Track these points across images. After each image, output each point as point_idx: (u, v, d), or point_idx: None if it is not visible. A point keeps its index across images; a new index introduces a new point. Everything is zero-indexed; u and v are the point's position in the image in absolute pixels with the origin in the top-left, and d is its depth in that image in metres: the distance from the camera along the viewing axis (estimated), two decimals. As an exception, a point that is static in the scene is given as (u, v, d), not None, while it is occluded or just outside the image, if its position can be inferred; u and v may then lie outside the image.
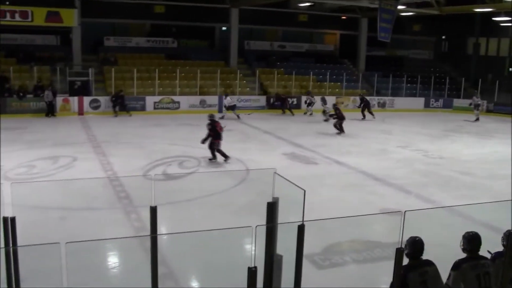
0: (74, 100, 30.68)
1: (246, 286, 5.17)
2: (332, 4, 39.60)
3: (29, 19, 29.86)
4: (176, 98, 33.34)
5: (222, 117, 27.71)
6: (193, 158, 19.40)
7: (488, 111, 38.23)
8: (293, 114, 33.80)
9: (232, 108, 30.90)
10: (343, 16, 43.61)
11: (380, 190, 16.10)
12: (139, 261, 8.68)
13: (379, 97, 39.43)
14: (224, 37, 40.76)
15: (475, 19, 43.44)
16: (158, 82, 33.80)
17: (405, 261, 6.00)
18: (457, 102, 39.87)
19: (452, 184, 17.20)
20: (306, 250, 6.02)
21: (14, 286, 6.00)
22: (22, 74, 31.86)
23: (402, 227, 5.39)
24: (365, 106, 33.34)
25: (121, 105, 30.86)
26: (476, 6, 34.58)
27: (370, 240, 11.21)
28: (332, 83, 39.09)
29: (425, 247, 6.24)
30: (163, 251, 9.57)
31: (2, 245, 6.09)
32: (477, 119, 33.88)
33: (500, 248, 6.69)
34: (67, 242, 4.46)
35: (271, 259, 5.97)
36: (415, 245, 6.19)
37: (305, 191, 5.51)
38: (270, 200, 6.14)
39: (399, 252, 5.50)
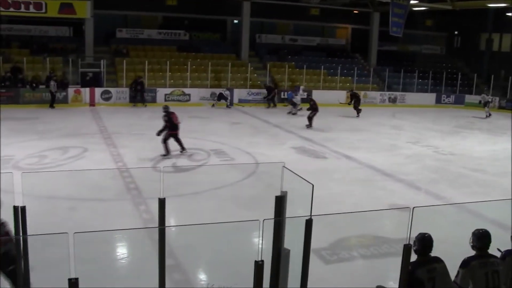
0: (86, 91, 30.79)
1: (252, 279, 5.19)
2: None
3: (43, 11, 30.10)
4: (187, 90, 33.40)
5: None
6: (203, 150, 19.44)
7: (500, 107, 38.08)
8: (275, 106, 33.95)
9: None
10: (355, 10, 43.51)
11: (389, 185, 16.06)
12: (147, 252, 8.71)
13: (390, 92, 39.36)
14: (235, 30, 40.77)
15: (488, 14, 43.15)
16: (169, 74, 33.86)
17: (414, 257, 5.99)
18: (468, 98, 39.73)
19: (462, 181, 17.12)
20: (313, 244, 6.01)
21: (23, 274, 6.03)
22: (35, 65, 31.99)
23: (410, 223, 5.37)
24: (356, 103, 32.49)
25: (141, 92, 31.05)
26: (489, 1, 34.43)
27: (378, 235, 11.18)
28: (343, 77, 39.02)
29: (434, 243, 6.21)
30: (171, 243, 9.58)
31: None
32: (489, 115, 33.71)
33: (510, 246, 6.67)
34: (75, 232, 4.48)
35: (279, 253, 5.98)
36: (424, 242, 6.17)
37: (313, 185, 5.51)
38: (279, 193, 6.14)
39: (406, 249, 5.49)
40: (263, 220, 4.92)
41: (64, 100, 30.09)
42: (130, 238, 10.42)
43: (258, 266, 5.05)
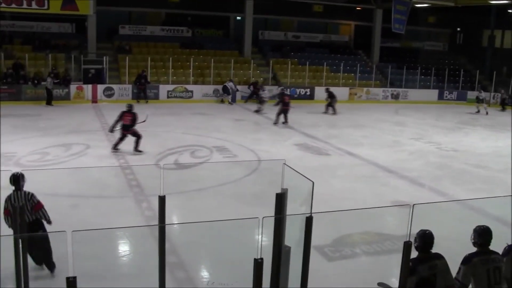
0: (88, 88, 30.78)
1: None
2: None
3: (45, 7, 30.10)
4: (189, 87, 33.38)
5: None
6: (205, 147, 19.43)
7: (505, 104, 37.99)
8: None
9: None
10: (358, 7, 43.42)
11: (392, 182, 16.05)
12: (148, 250, 8.70)
13: (393, 89, 39.30)
14: (238, 27, 40.72)
15: (490, 11, 43.10)
16: (172, 71, 33.84)
17: (415, 253, 5.98)
18: (471, 94, 39.56)
19: (466, 177, 17.10)
20: (316, 241, 6.01)
21: (22, 273, 6.02)
22: (37, 62, 31.97)
23: (410, 220, 5.35)
24: (332, 100, 31.86)
25: (145, 88, 31.22)
26: (492, -2, 34.34)
27: (381, 232, 11.17)
28: (346, 74, 38.97)
29: (436, 240, 6.20)
30: (174, 240, 9.60)
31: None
32: (486, 113, 33.72)
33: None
34: (73, 231, 4.46)
35: (279, 250, 5.96)
36: (425, 238, 6.16)
37: (313, 182, 5.49)
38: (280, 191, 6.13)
39: (407, 246, 5.47)
40: (263, 218, 4.90)
41: (67, 97, 30.10)
42: (131, 236, 10.41)
43: (258, 264, 5.03)
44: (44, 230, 8.63)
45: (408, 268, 5.67)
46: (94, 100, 30.59)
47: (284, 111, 25.23)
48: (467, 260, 6.24)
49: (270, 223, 5.79)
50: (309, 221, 5.68)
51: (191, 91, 33.25)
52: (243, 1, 37.60)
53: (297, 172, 5.92)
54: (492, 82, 39.42)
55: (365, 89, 37.99)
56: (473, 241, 6.42)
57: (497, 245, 6.52)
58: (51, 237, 8.30)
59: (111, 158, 17.41)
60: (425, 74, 41.44)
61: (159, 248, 6.32)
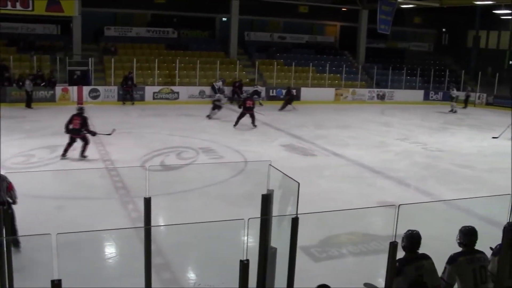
0: (74, 90, 30.64)
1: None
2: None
3: (30, 8, 29.93)
4: (175, 88, 33.31)
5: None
6: (191, 149, 19.40)
7: (488, 104, 38.26)
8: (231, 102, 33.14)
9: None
10: (344, 8, 43.49)
11: (378, 182, 16.10)
12: (134, 251, 8.66)
13: (379, 89, 39.43)
14: (224, 28, 40.70)
15: (475, 12, 43.45)
16: (157, 72, 33.75)
17: (401, 254, 5.99)
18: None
19: (451, 177, 17.17)
20: (303, 242, 6.01)
21: (7, 276, 5.98)
22: (22, 63, 31.80)
23: (396, 220, 5.36)
24: (290, 99, 32.56)
25: (132, 89, 31.19)
26: (476, -1, 34.53)
27: (367, 233, 11.19)
28: (332, 74, 39.03)
29: (423, 240, 6.23)
30: (160, 241, 9.57)
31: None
32: (455, 111, 34.15)
33: (498, 242, 6.67)
34: (58, 233, 4.43)
35: (265, 251, 5.95)
36: (412, 239, 6.18)
37: (299, 183, 5.49)
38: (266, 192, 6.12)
39: (393, 246, 5.48)
40: (248, 219, 4.89)
41: (52, 99, 29.95)
42: (117, 238, 10.37)
43: (244, 266, 5.03)
44: (12, 210, 9.10)
45: (394, 269, 5.68)
46: (80, 102, 30.38)
47: (244, 114, 24.47)
48: (453, 260, 6.27)
49: (257, 224, 5.78)
50: (295, 222, 5.68)
51: (177, 93, 33.19)
52: (229, 2, 37.59)
53: (283, 173, 5.91)
54: (477, 83, 39.63)
55: (351, 89, 38.09)
56: (458, 241, 6.46)
57: (482, 245, 6.55)
58: (36, 240, 8.25)
59: (97, 160, 17.34)
60: (411, 75, 41.60)
61: (145, 250, 6.30)
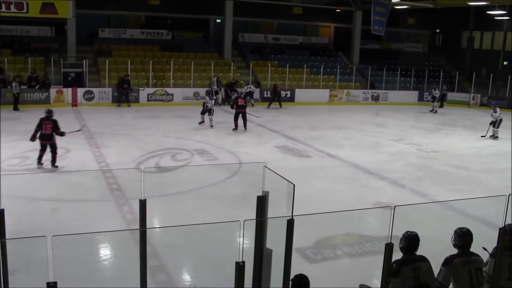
0: (68, 92, 30.56)
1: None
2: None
3: (24, 10, 29.86)
4: (169, 90, 33.26)
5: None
6: (186, 150, 19.40)
7: (482, 104, 38.29)
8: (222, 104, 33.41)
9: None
10: (338, 9, 43.51)
11: (373, 183, 16.11)
12: (129, 253, 8.67)
13: (373, 90, 39.43)
14: (218, 29, 40.65)
15: (469, 12, 43.50)
16: (152, 74, 33.71)
17: (397, 255, 6.00)
18: (451, 95, 39.86)
19: (446, 178, 17.20)
20: (298, 244, 6.01)
21: (2, 278, 5.96)
22: (17, 65, 31.72)
23: (391, 222, 5.37)
24: (277, 97, 33.71)
25: (127, 91, 31.14)
26: (470, 0, 34.53)
27: (363, 234, 11.20)
28: (326, 76, 38.96)
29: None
30: (155, 243, 9.56)
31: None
32: (435, 111, 34.57)
33: (494, 243, 6.68)
34: (54, 236, 4.43)
35: (261, 253, 5.96)
36: (411, 240, 6.17)
37: (294, 185, 5.49)
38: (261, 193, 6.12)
39: (388, 247, 5.48)
40: (244, 221, 4.90)
41: (46, 101, 29.85)
42: (112, 240, 10.36)
43: (239, 267, 5.02)
44: None
45: (389, 270, 5.69)
46: (74, 103, 30.41)
47: (238, 114, 24.14)
48: (448, 262, 6.27)
49: (252, 226, 5.79)
50: (290, 223, 5.68)
51: (171, 94, 33.13)
52: (223, 3, 37.57)
53: (278, 174, 5.92)
54: (472, 83, 39.71)
55: (345, 91, 38.10)
56: (453, 242, 6.46)
57: (478, 246, 6.56)
58: (31, 242, 8.23)
59: (92, 161, 17.32)
60: (405, 76, 41.62)
61: (140, 252, 6.29)
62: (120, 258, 9.81)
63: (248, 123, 24.17)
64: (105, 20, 39.32)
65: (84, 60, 32.05)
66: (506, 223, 6.34)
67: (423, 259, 6.22)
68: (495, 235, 6.29)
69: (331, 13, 43.93)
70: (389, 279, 5.81)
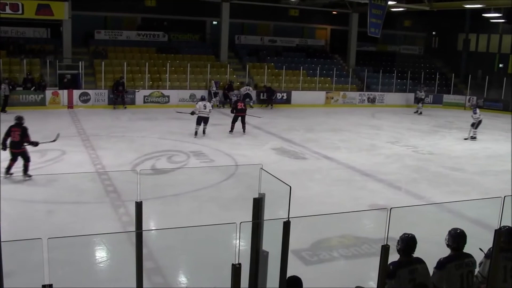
0: (64, 93, 30.51)
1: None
2: (323, -1, 39.81)
3: (20, 12, 29.75)
4: (166, 92, 33.23)
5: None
6: (182, 152, 19.38)
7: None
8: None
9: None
10: (334, 11, 43.56)
11: (369, 185, 16.11)
12: (125, 255, 8.65)
13: (369, 93, 39.44)
14: (215, 31, 40.64)
15: (465, 15, 43.63)
16: (148, 76, 33.68)
17: (393, 257, 5.99)
18: (447, 98, 39.97)
19: (442, 180, 17.20)
20: (294, 245, 6.00)
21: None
22: (12, 67, 31.70)
23: (387, 224, 5.36)
24: (272, 96, 34.34)
25: (123, 94, 31.04)
26: (466, 2, 34.59)
27: (359, 236, 11.19)
28: (323, 78, 39.02)
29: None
30: (151, 245, 9.55)
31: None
32: (420, 113, 34.82)
33: (489, 245, 6.68)
34: (49, 238, 4.41)
35: (257, 255, 5.95)
36: (408, 242, 6.18)
37: (290, 187, 5.48)
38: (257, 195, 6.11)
39: (385, 249, 5.48)
40: (240, 223, 4.89)
41: (42, 102, 29.84)
42: (108, 242, 10.34)
43: (236, 269, 5.01)
44: None
45: (386, 272, 5.68)
46: (70, 105, 30.36)
47: (237, 117, 23.89)
48: (442, 266, 6.26)
49: (249, 228, 5.78)
50: (286, 225, 5.67)
51: (168, 96, 33.10)
52: (219, 5, 37.57)
53: (274, 176, 5.91)
54: (468, 86, 39.79)
55: (341, 93, 38.12)
56: (447, 243, 6.47)
57: (474, 247, 6.56)
58: (26, 244, 8.22)
59: (87, 163, 17.29)
60: (401, 78, 41.65)
61: (136, 254, 6.27)
62: (116, 260, 9.79)
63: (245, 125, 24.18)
64: (101, 21, 39.30)
65: (80, 62, 32.03)
66: (501, 225, 6.34)
67: (420, 261, 6.22)
68: (490, 236, 6.29)
69: (328, 15, 44.04)
70: (385, 281, 5.81)
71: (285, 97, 35.88)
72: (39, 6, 30.11)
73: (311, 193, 14.43)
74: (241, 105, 24.26)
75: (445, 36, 47.99)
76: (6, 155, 15.79)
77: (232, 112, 24.37)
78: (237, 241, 4.95)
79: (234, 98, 29.95)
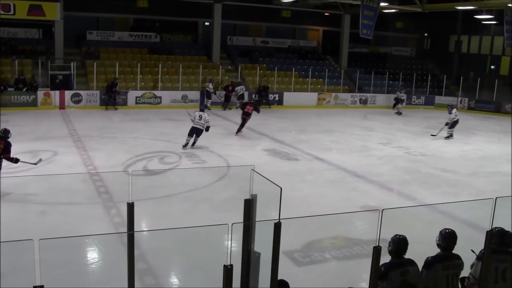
0: (56, 94, 30.44)
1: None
2: (315, 0, 39.77)
3: (11, 12, 29.64)
4: (158, 93, 33.19)
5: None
6: (174, 153, 19.36)
7: (470, 108, 38.50)
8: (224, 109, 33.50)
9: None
10: (326, 13, 43.58)
11: (361, 187, 16.14)
12: (117, 257, 8.64)
13: (361, 94, 39.48)
14: (207, 32, 40.62)
15: (457, 17, 43.82)
16: (140, 76, 33.61)
17: (385, 258, 6.01)
18: (439, 99, 40.06)
19: (434, 181, 17.24)
20: (286, 247, 6.01)
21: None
22: (3, 68, 31.57)
23: (379, 225, 5.38)
24: (262, 97, 34.21)
25: (114, 95, 30.99)
26: (458, 4, 34.68)
27: (351, 237, 11.22)
28: (315, 79, 39.04)
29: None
30: (143, 246, 9.54)
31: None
32: (400, 113, 35.14)
33: (481, 246, 6.71)
34: (41, 239, 4.41)
35: (248, 256, 5.95)
36: (399, 243, 6.20)
37: (281, 188, 5.49)
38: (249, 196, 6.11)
39: (376, 251, 5.49)
40: (232, 224, 4.90)
41: (34, 103, 29.77)
42: (100, 243, 10.33)
43: (227, 271, 5.02)
44: None
45: (377, 273, 5.70)
46: (62, 106, 30.29)
47: (244, 120, 23.99)
48: (430, 265, 6.29)
49: (240, 229, 5.78)
50: (277, 227, 5.68)
51: (160, 97, 33.05)
52: (212, 6, 37.55)
53: (265, 178, 5.92)
54: (459, 87, 39.92)
55: (333, 94, 38.15)
56: (437, 242, 6.49)
57: (465, 249, 6.59)
58: (18, 246, 8.20)
59: (79, 164, 17.26)
60: (393, 79, 41.68)
61: (128, 255, 6.27)
62: (107, 261, 9.78)
63: (236, 126, 24.16)
64: (93, 22, 39.22)
65: (72, 63, 31.93)
66: (493, 226, 6.37)
67: (412, 263, 6.24)
68: (482, 238, 6.31)
69: (320, 17, 44.05)
70: (377, 283, 5.82)
71: (277, 98, 35.87)
72: (31, 6, 30.01)
73: (303, 194, 14.44)
74: (248, 109, 24.11)
75: (437, 38, 48.16)
76: None
77: (242, 108, 24.94)
78: (229, 242, 4.96)
79: (235, 99, 30.16)
